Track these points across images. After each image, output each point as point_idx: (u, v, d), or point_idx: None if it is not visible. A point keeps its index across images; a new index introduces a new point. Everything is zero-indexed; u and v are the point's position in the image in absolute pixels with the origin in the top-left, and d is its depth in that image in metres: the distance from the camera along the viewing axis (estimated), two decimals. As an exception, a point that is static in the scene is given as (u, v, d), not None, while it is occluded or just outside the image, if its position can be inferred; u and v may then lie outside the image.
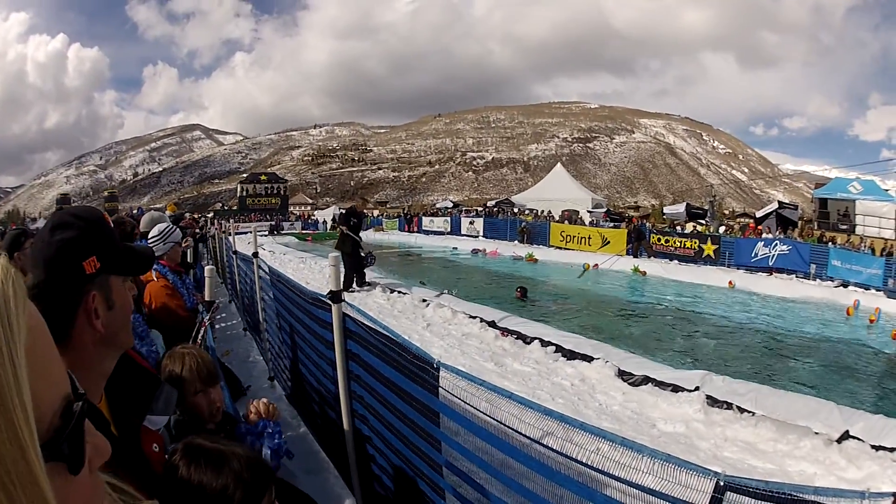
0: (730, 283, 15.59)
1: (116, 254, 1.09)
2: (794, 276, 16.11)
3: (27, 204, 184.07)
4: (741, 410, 4.96)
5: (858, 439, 4.29)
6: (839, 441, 4.30)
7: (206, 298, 3.70)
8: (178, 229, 4.05)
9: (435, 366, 2.02)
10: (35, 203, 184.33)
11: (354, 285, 10.43)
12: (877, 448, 4.14)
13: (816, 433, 4.41)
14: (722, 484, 1.22)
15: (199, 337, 3.09)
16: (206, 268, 3.14)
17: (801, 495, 1.15)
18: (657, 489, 1.30)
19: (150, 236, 3.89)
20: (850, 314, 12.15)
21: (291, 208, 66.42)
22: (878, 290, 13.96)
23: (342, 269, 2.77)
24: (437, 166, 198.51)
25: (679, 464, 1.29)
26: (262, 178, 63.83)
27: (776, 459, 4.25)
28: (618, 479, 1.40)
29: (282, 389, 5.21)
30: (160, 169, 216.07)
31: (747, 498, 1.19)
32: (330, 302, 2.66)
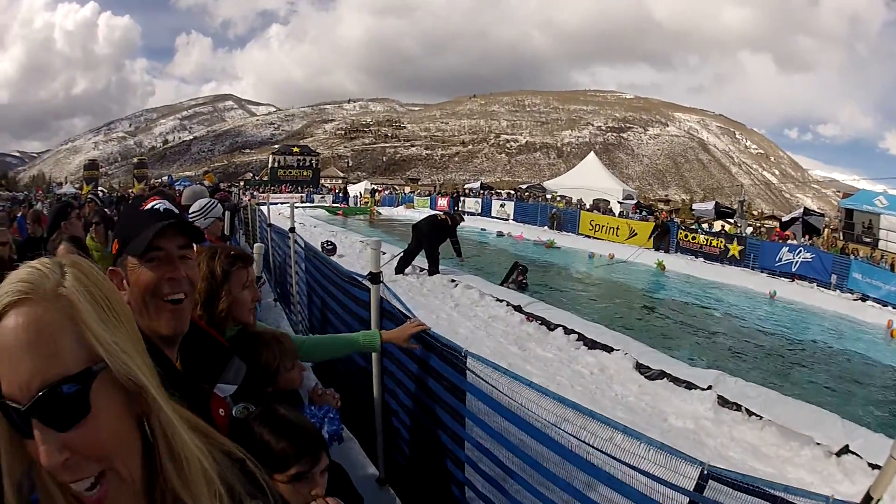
0: (770, 293, 15.03)
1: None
2: (814, 283, 15.95)
3: (53, 169, 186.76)
4: (749, 413, 5.05)
5: (857, 455, 4.34)
6: (838, 454, 4.38)
7: (255, 274, 3.89)
8: (218, 204, 4.23)
9: (463, 354, 2.24)
10: (61, 168, 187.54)
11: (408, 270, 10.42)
12: (873, 466, 4.17)
13: (818, 444, 4.49)
14: (706, 472, 1.41)
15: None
16: (256, 245, 3.34)
17: (771, 491, 1.32)
18: (652, 472, 1.48)
19: (191, 210, 3.98)
20: (895, 336, 11.77)
21: (323, 181, 66.95)
22: (895, 308, 13.67)
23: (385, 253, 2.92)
24: (470, 146, 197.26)
25: (671, 452, 1.47)
26: (295, 150, 64.46)
27: (777, 464, 4.36)
28: (621, 461, 1.58)
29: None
30: (191, 137, 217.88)
31: (725, 487, 1.37)
32: (369, 283, 2.85)
